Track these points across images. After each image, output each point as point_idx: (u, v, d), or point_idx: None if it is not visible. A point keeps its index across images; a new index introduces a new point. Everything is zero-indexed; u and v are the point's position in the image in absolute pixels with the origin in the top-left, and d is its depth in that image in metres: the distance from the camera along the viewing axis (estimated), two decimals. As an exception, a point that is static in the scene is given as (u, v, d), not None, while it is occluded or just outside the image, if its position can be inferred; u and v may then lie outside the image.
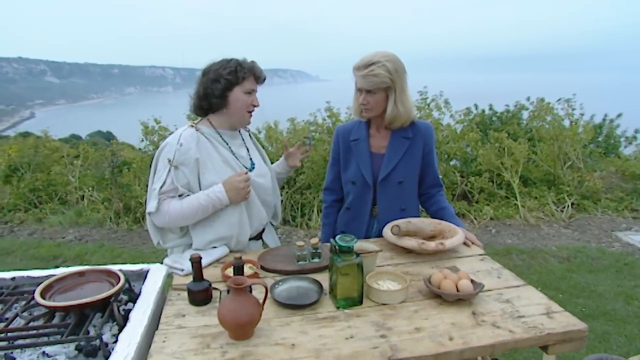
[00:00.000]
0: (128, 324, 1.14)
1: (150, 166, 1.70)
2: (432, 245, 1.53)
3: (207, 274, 1.50)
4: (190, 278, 1.30)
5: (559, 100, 5.85)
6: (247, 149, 1.80)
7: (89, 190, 5.76)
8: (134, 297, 1.32)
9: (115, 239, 4.96)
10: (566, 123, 5.82)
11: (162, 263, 1.53)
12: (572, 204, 5.18)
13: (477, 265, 1.54)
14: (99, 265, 1.45)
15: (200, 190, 1.61)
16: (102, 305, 1.22)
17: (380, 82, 1.67)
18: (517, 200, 5.19)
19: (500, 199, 5.42)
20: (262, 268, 1.50)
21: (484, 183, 5.40)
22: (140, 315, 1.19)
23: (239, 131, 1.80)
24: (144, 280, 1.40)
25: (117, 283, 1.28)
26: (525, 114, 6.96)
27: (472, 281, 1.31)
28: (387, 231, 1.67)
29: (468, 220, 5.00)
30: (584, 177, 5.51)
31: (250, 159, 1.78)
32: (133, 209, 5.44)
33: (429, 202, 1.96)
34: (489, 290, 1.34)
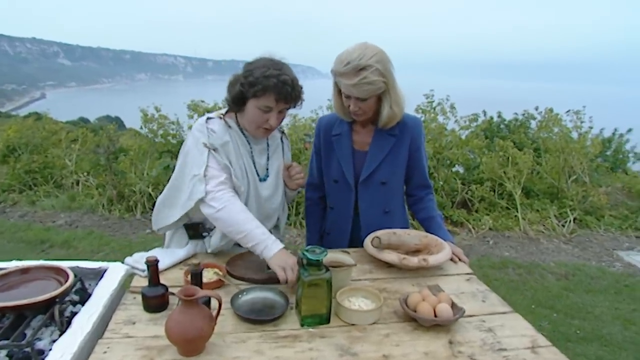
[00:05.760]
0: (68, 330, 1.04)
1: (178, 156, 1.54)
2: (414, 260, 1.42)
3: (171, 276, 1.40)
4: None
5: (568, 111, 5.70)
6: (268, 157, 1.63)
7: (84, 175, 5.69)
8: (85, 299, 1.22)
9: (105, 226, 4.88)
10: (574, 135, 5.67)
11: (123, 262, 1.43)
12: (575, 219, 5.04)
13: (462, 286, 1.42)
14: (87, 259, 1.35)
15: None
16: (46, 307, 1.12)
17: (376, 89, 1.53)
18: (517, 212, 5.05)
19: (500, 209, 5.28)
20: (229, 274, 1.39)
21: (485, 192, 5.26)
22: (84, 320, 1.08)
23: None
24: (100, 280, 1.30)
25: (66, 282, 1.18)
26: (533, 124, 6.82)
27: (452, 305, 1.20)
28: (367, 243, 1.56)
29: (466, 229, 4.88)
30: (588, 192, 5.36)
31: (267, 168, 1.62)
32: (127, 197, 5.36)
33: (417, 207, 1.84)
34: (471, 315, 1.23)
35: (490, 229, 4.93)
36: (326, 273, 1.14)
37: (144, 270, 1.38)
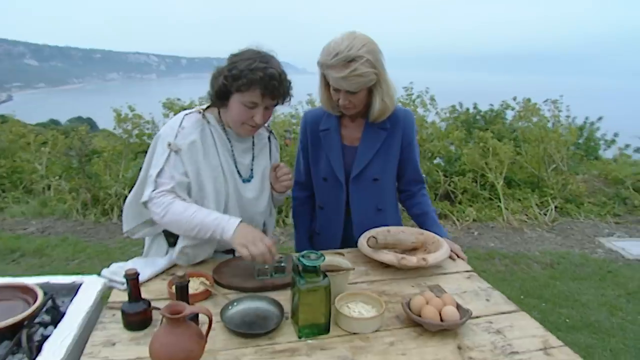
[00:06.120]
0: (38, 358, 0.93)
1: (147, 152, 1.45)
2: (413, 260, 1.35)
3: (153, 288, 1.29)
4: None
5: (545, 101, 5.76)
6: (253, 157, 1.52)
7: (55, 180, 5.44)
8: (58, 319, 1.10)
9: (80, 232, 4.67)
10: (551, 125, 5.73)
11: (99, 274, 1.31)
12: (556, 207, 5.09)
13: (463, 285, 1.36)
14: (61, 268, 1.23)
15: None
16: (13, 332, 1.00)
17: (367, 81, 1.44)
18: (500, 202, 5.08)
19: (483, 200, 5.30)
20: (217, 283, 1.29)
21: (468, 183, 5.28)
22: (56, 344, 0.97)
23: None
24: (74, 296, 1.18)
25: (35, 302, 1.06)
26: (509, 114, 6.89)
27: (457, 306, 1.13)
28: (362, 242, 1.48)
29: (450, 221, 4.87)
30: (567, 181, 5.43)
31: (251, 169, 1.51)
32: (102, 201, 5.14)
33: (410, 202, 1.77)
34: (477, 317, 1.16)
35: (474, 220, 4.94)
36: (324, 280, 1.05)
37: (123, 283, 1.26)
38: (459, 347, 1.04)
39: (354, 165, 1.63)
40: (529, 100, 5.96)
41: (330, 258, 1.29)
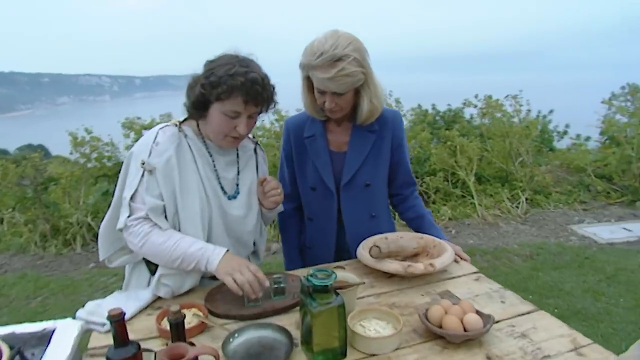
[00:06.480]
0: None
1: (119, 173, 1.31)
2: (420, 267, 1.27)
3: (140, 326, 1.14)
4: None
5: (507, 96, 5.92)
6: (238, 171, 1.39)
7: (8, 212, 5.06)
8: (29, 374, 0.94)
9: (41, 266, 4.34)
10: (515, 119, 5.89)
11: (74, 317, 1.15)
12: (526, 199, 5.20)
13: (473, 287, 1.29)
14: (29, 323, 1.06)
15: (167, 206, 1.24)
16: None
17: (356, 81, 1.36)
18: (473, 198, 5.13)
19: (456, 198, 5.35)
20: (211, 313, 1.16)
21: (439, 183, 5.32)
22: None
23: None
24: (47, 347, 1.02)
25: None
26: (467, 112, 7.08)
27: (477, 313, 1.05)
28: (362, 253, 1.39)
29: (428, 221, 4.87)
30: (533, 173, 5.58)
31: (237, 184, 1.38)
32: (62, 230, 4.82)
33: (403, 206, 1.69)
34: (497, 321, 1.09)
35: (450, 218, 4.96)
36: (337, 299, 0.95)
37: (103, 324, 1.11)
38: (488, 357, 0.96)
39: (344, 171, 1.54)
40: (490, 97, 6.11)
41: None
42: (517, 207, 5.06)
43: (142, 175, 1.21)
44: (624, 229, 4.45)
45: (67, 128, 5.30)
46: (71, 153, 5.24)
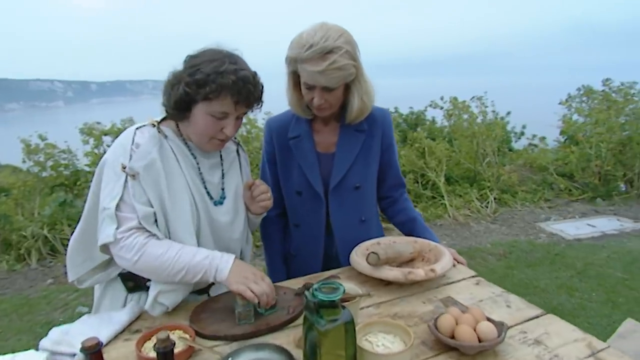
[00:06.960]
0: None
1: (91, 182, 1.17)
2: (421, 273, 1.20)
3: (115, 355, 1.01)
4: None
5: (472, 98, 6.04)
6: (223, 174, 1.29)
7: (-47, 228, 4.64)
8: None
9: (-9, 285, 3.99)
10: (479, 120, 6.02)
11: (37, 349, 1.00)
12: (495, 199, 5.30)
13: (475, 292, 1.24)
14: None
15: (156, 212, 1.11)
16: None
17: (347, 75, 1.28)
18: (444, 199, 5.18)
19: (427, 199, 5.38)
20: (199, 334, 1.04)
21: (410, 184, 5.34)
22: None
23: None
24: (6, 385, 0.87)
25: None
26: (430, 114, 7.22)
27: (488, 320, 0.99)
28: (356, 260, 1.31)
29: (401, 223, 4.86)
30: (500, 172, 5.70)
31: (223, 189, 1.27)
32: (15, 245, 4.46)
33: (393, 209, 1.61)
34: (508, 328, 1.03)
35: (422, 220, 4.98)
36: (345, 314, 0.86)
37: (73, 355, 0.97)
38: (506, 369, 0.90)
39: (333, 173, 1.46)
40: (455, 98, 6.22)
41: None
42: (487, 207, 5.15)
43: (126, 180, 1.08)
44: (588, 225, 4.60)
45: (18, 135, 4.96)
46: (24, 161, 4.89)
